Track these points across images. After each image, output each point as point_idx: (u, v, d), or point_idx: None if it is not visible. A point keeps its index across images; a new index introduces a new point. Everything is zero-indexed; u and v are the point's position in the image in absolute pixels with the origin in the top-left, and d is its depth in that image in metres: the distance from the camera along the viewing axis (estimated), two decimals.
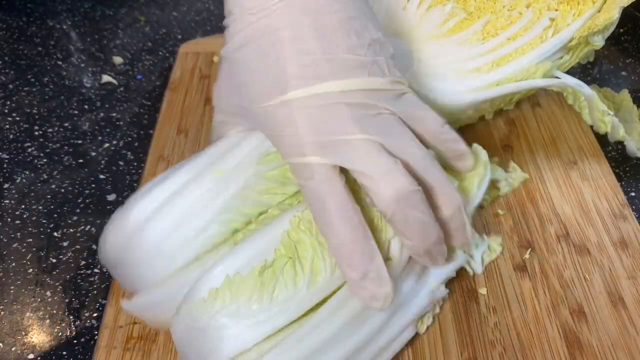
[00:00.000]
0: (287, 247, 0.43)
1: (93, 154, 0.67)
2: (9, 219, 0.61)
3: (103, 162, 0.66)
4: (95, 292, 0.55)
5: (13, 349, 0.51)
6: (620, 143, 0.62)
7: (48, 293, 0.55)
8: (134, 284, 0.46)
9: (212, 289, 0.41)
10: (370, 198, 0.43)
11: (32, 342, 0.52)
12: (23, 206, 0.62)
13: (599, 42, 0.61)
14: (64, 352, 0.51)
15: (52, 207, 0.62)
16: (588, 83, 0.74)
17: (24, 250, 0.58)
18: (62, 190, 0.64)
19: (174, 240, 0.45)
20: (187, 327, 0.41)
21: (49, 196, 0.63)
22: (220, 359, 0.40)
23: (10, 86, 0.75)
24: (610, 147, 0.66)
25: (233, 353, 0.40)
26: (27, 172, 0.65)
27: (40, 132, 0.70)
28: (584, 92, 0.58)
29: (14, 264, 0.57)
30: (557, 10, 0.61)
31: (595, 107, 0.59)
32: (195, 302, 0.41)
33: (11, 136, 0.69)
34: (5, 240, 0.59)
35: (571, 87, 0.59)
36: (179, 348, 0.43)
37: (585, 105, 0.60)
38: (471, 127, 0.67)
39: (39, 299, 0.55)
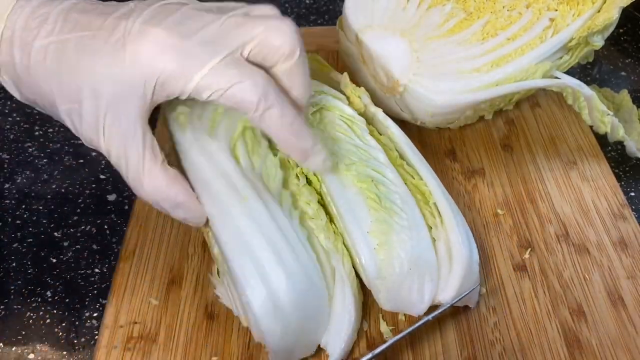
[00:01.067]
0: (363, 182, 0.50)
1: (93, 154, 0.67)
2: (9, 219, 0.61)
3: (103, 162, 0.66)
4: (95, 292, 0.55)
5: (13, 349, 0.51)
6: (620, 143, 0.62)
7: (48, 293, 0.55)
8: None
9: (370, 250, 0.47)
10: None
11: (32, 342, 0.52)
12: (23, 206, 0.62)
13: (598, 42, 0.61)
14: (64, 352, 0.51)
15: (52, 207, 0.62)
16: (588, 83, 0.74)
17: (24, 250, 0.58)
18: (62, 190, 0.64)
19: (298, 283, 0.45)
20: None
21: (49, 196, 0.63)
22: None
23: None
24: (609, 147, 0.66)
25: None
26: (27, 172, 0.65)
27: (41, 132, 0.70)
28: (583, 93, 0.58)
29: (14, 264, 0.57)
30: (556, 10, 0.61)
31: (595, 107, 0.59)
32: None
33: (11, 136, 0.69)
34: (5, 240, 0.59)
35: (571, 88, 0.59)
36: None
37: (585, 106, 0.60)
38: (471, 126, 0.67)
39: (39, 299, 0.55)
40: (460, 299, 0.49)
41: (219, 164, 0.48)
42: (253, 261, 0.44)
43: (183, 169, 0.48)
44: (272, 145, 0.50)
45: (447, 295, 0.48)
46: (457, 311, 0.51)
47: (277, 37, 0.44)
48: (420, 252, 0.48)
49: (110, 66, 0.42)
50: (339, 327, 0.47)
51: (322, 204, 0.50)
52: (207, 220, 0.47)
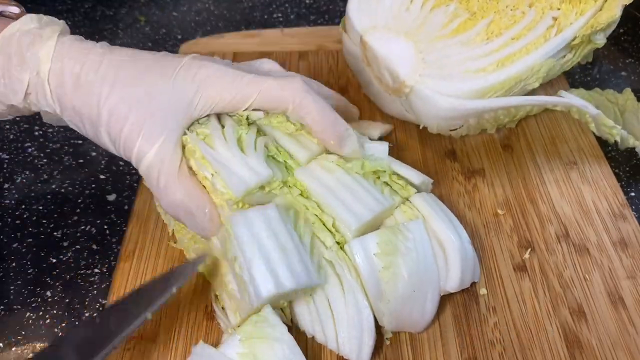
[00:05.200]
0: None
1: (93, 154, 0.67)
2: (9, 219, 0.61)
3: (103, 162, 0.66)
4: (95, 292, 0.55)
5: (13, 349, 0.51)
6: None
7: (48, 293, 0.55)
8: None
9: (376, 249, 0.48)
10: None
11: (32, 342, 0.52)
12: (23, 206, 0.62)
13: (600, 40, 0.61)
14: None
15: (52, 207, 0.62)
16: (588, 83, 0.74)
17: (24, 250, 0.58)
18: (62, 190, 0.64)
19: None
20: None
21: (49, 196, 0.63)
22: None
23: None
24: (610, 148, 0.66)
25: None
26: (27, 172, 0.65)
27: (40, 132, 0.70)
28: (589, 112, 0.58)
29: (14, 264, 0.57)
30: (559, 9, 0.61)
31: (602, 123, 0.59)
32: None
33: (11, 136, 0.69)
34: (5, 240, 0.59)
35: (577, 107, 0.59)
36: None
37: (592, 121, 0.60)
38: None
39: (39, 299, 0.55)
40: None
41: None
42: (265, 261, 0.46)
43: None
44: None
45: (453, 284, 0.49)
46: (457, 311, 0.51)
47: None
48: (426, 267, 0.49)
49: (167, 77, 0.49)
50: (354, 330, 0.47)
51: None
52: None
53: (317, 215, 0.50)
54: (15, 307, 0.54)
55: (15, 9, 0.52)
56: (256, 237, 0.46)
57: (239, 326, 0.46)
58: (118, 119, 0.47)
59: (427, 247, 0.49)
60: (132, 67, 0.49)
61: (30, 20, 0.49)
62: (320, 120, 0.51)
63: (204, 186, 0.49)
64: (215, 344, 0.46)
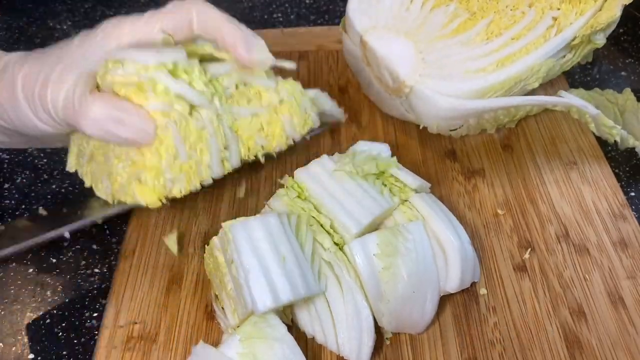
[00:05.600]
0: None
1: None
2: (9, 219, 0.61)
3: None
4: (95, 292, 0.55)
5: (13, 349, 0.51)
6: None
7: (48, 293, 0.55)
8: None
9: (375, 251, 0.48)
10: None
11: (32, 342, 0.52)
12: (23, 206, 0.62)
13: (600, 40, 0.61)
14: (64, 352, 0.51)
15: (52, 207, 0.62)
16: (588, 83, 0.74)
17: (24, 250, 0.58)
18: (62, 190, 0.64)
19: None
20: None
21: (49, 196, 0.63)
22: None
23: None
24: (610, 148, 0.66)
25: None
26: (27, 172, 0.65)
27: None
28: (589, 112, 0.58)
29: (14, 264, 0.57)
30: (559, 9, 0.61)
31: (602, 123, 0.59)
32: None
33: None
34: None
35: (576, 107, 0.59)
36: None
37: (592, 121, 0.60)
38: None
39: (39, 299, 0.55)
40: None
41: None
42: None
43: None
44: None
45: (453, 284, 0.49)
46: (457, 311, 0.51)
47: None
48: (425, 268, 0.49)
49: (72, 44, 0.49)
50: (353, 330, 0.47)
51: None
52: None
53: (314, 217, 0.50)
54: (15, 307, 0.54)
55: None
56: (256, 247, 0.46)
57: (238, 326, 0.46)
58: (30, 80, 0.47)
59: (426, 248, 0.49)
60: (40, 50, 0.50)
61: None
62: (225, 27, 0.49)
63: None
64: (215, 344, 0.46)
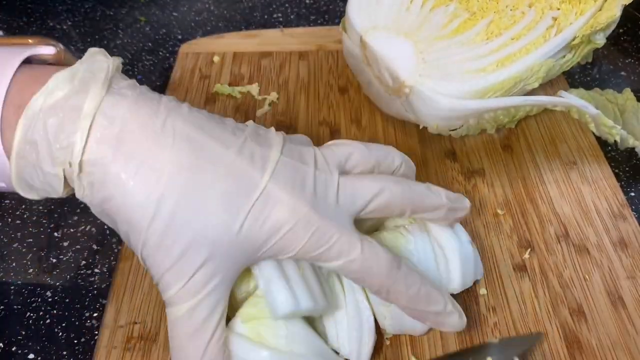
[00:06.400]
0: None
1: None
2: (9, 219, 0.61)
3: None
4: (95, 292, 0.55)
5: (13, 348, 0.51)
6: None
7: (48, 293, 0.55)
8: None
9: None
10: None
11: (32, 342, 0.52)
12: (23, 206, 0.62)
13: (600, 40, 0.61)
14: (64, 352, 0.51)
15: (52, 207, 0.62)
16: (588, 83, 0.74)
17: (24, 250, 0.58)
18: None
19: None
20: None
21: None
22: None
23: None
24: (609, 148, 0.66)
25: None
26: None
27: None
28: (589, 112, 0.58)
29: (14, 264, 0.57)
30: (559, 9, 0.61)
31: (602, 123, 0.59)
32: None
33: None
34: (5, 240, 0.59)
35: (576, 107, 0.59)
36: None
37: (591, 121, 0.60)
38: None
39: (39, 299, 0.55)
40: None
41: None
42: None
43: None
44: None
45: (455, 285, 0.49)
46: None
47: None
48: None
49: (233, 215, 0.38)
50: (354, 331, 0.47)
51: None
52: None
53: None
54: (15, 307, 0.54)
55: (49, 50, 0.41)
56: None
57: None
58: (159, 248, 0.38)
59: (428, 250, 0.49)
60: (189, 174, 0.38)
61: (59, 83, 0.37)
62: (409, 302, 0.43)
63: None
64: None
